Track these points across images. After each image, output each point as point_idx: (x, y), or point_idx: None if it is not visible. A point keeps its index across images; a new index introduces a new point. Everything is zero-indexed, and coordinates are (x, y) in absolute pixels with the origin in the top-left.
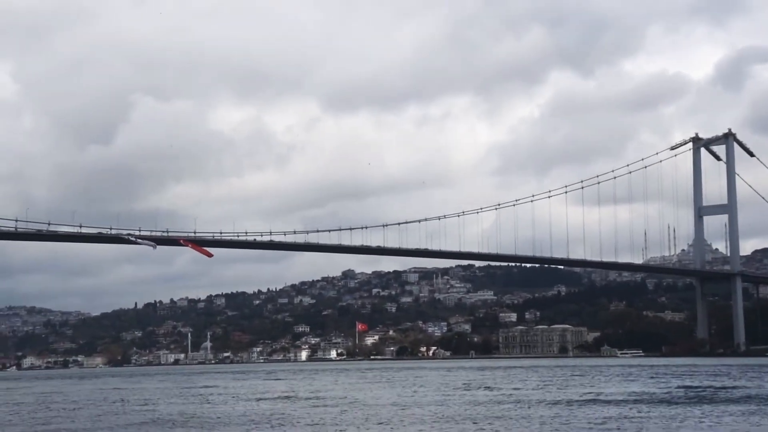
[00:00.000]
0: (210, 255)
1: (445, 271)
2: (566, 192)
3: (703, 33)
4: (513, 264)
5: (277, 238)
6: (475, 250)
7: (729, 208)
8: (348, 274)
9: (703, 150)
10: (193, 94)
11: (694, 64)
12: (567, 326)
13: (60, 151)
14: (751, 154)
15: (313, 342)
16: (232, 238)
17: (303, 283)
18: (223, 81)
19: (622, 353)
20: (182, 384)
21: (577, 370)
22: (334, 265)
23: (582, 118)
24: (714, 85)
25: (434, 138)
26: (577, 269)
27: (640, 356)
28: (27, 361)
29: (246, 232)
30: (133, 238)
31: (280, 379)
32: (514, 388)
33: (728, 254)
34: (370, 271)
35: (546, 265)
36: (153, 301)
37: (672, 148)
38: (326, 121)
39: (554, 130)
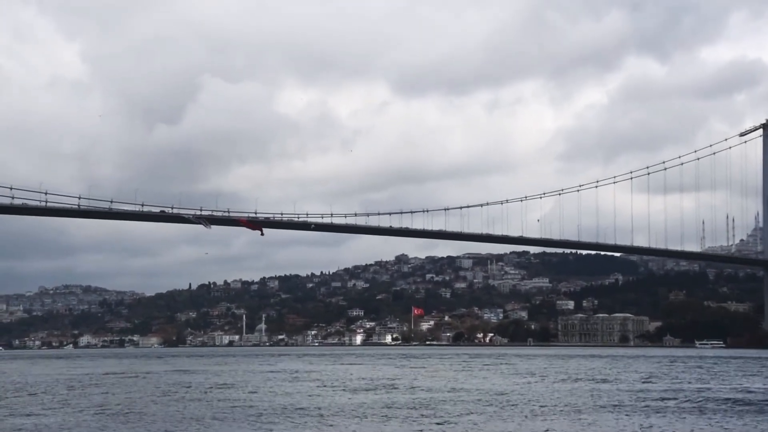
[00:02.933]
0: (261, 233)
1: (499, 258)
2: (632, 178)
3: None
4: (569, 251)
5: (337, 221)
6: (536, 236)
7: None
8: (401, 259)
9: None
10: (261, 76)
11: None
12: (628, 315)
13: (127, 131)
14: None
15: (368, 326)
16: (292, 219)
17: (356, 267)
18: (291, 64)
19: (701, 344)
20: (278, 366)
21: (694, 361)
22: (387, 250)
23: (653, 104)
24: None
25: (502, 123)
26: (634, 257)
27: (721, 347)
28: (83, 340)
29: (307, 214)
30: (190, 217)
31: (380, 365)
32: (674, 379)
33: None
34: (423, 256)
35: (602, 253)
36: (207, 283)
37: (741, 135)
38: (394, 105)
39: (623, 117)
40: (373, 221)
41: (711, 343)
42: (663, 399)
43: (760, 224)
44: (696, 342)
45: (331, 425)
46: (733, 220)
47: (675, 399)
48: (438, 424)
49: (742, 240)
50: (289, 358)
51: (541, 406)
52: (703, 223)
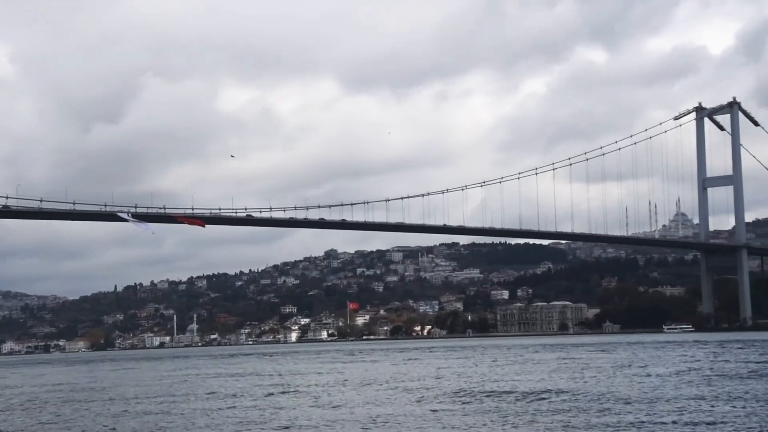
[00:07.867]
0: (203, 225)
1: (429, 249)
2: (570, 165)
3: (733, 6)
4: (498, 241)
5: (276, 215)
6: (475, 225)
7: (734, 178)
8: (331, 254)
9: (708, 122)
10: (203, 74)
11: (717, 38)
12: (567, 303)
13: (62, 133)
14: (756, 123)
15: (302, 323)
16: (231, 215)
17: (285, 264)
18: (233, 61)
19: (669, 329)
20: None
21: (714, 345)
22: (316, 246)
23: (594, 93)
24: (734, 57)
25: (447, 115)
26: (562, 246)
27: (690, 331)
28: (6, 346)
29: (246, 208)
30: (127, 216)
31: (356, 362)
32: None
33: (717, 228)
34: (353, 251)
35: (531, 242)
36: (133, 284)
37: (675, 118)
38: (341, 101)
39: (565, 105)
40: (313, 215)
41: (680, 328)
42: None
43: (681, 209)
44: (664, 327)
45: None
46: (656, 206)
47: None
48: None
49: (664, 225)
50: (267, 358)
51: None
52: (627, 209)
